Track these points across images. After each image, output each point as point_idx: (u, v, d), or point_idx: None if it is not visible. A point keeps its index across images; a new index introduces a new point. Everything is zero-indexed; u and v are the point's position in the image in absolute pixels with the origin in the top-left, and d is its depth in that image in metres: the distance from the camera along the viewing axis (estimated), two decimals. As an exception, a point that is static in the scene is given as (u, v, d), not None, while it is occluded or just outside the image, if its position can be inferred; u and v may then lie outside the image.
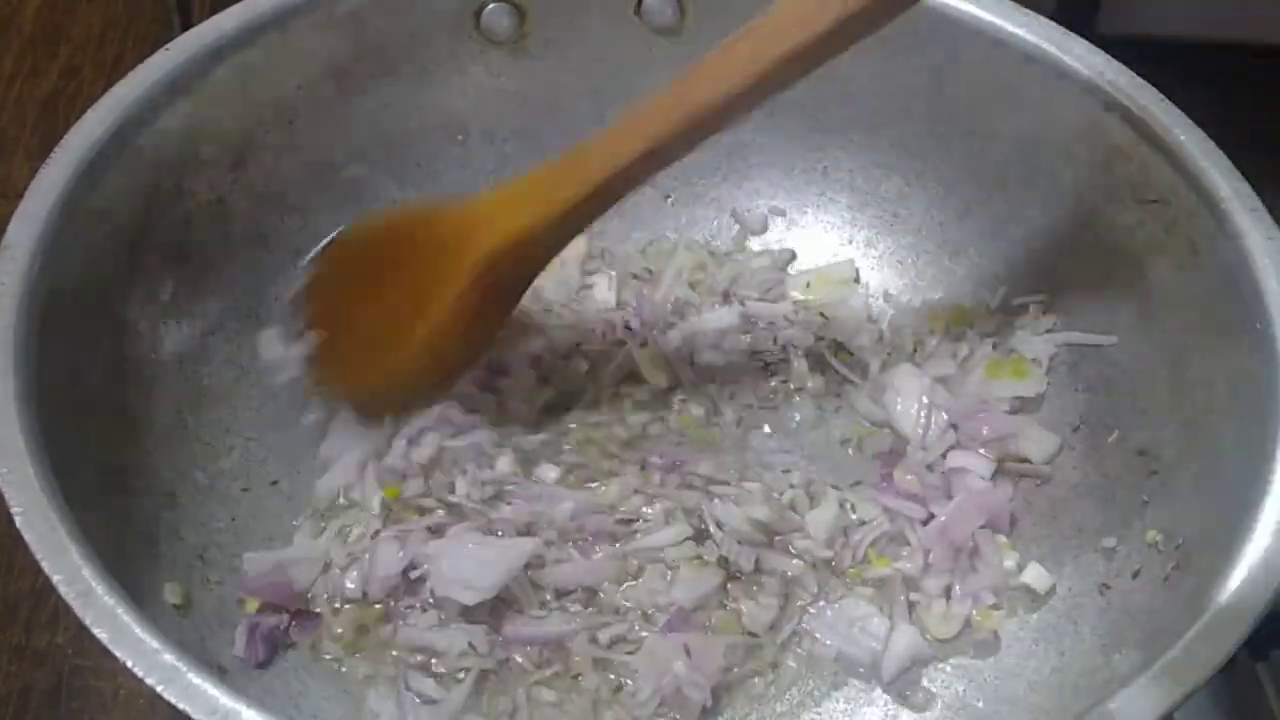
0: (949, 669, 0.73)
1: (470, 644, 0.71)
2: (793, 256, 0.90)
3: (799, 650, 0.73)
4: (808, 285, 0.88)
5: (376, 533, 0.74)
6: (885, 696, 0.72)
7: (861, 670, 0.73)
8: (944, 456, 0.79)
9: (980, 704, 0.72)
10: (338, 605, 0.73)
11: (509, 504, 0.75)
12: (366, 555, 0.73)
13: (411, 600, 0.72)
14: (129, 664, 0.55)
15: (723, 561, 0.74)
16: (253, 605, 0.72)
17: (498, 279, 0.74)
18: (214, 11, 0.80)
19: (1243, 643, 0.58)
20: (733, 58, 0.68)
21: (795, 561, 0.75)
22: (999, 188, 0.83)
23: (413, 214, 0.79)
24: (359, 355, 0.78)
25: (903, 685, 0.72)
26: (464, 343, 0.77)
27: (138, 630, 0.55)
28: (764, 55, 0.67)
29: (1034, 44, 0.79)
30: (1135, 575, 0.69)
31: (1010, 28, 0.80)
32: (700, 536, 0.75)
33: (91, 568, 0.57)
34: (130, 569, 0.63)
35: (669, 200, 0.91)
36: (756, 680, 0.72)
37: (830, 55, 0.67)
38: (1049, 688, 0.70)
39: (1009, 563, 0.76)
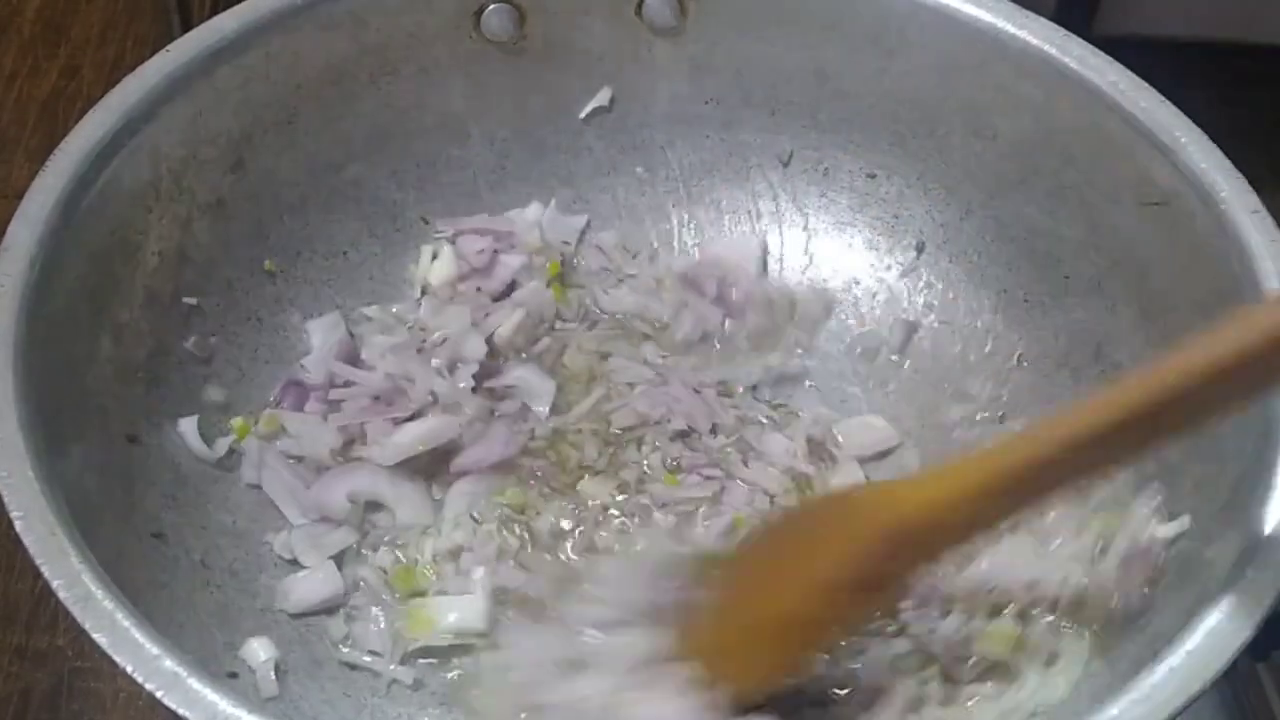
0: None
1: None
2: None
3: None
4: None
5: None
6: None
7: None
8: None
9: (980, 705, 0.72)
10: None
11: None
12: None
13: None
14: (129, 669, 0.55)
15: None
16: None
17: (893, 556, 0.61)
18: (214, 11, 0.80)
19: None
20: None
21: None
22: (999, 188, 0.83)
23: (800, 508, 0.76)
24: (728, 632, 0.67)
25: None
26: (833, 622, 0.65)
27: (138, 635, 0.55)
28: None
29: (1034, 44, 0.79)
30: (1137, 577, 0.69)
31: (1010, 28, 0.80)
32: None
33: (91, 572, 0.57)
34: (130, 573, 0.63)
35: (672, 204, 0.91)
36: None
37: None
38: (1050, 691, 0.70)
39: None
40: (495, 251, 0.87)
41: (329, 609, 0.74)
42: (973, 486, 0.59)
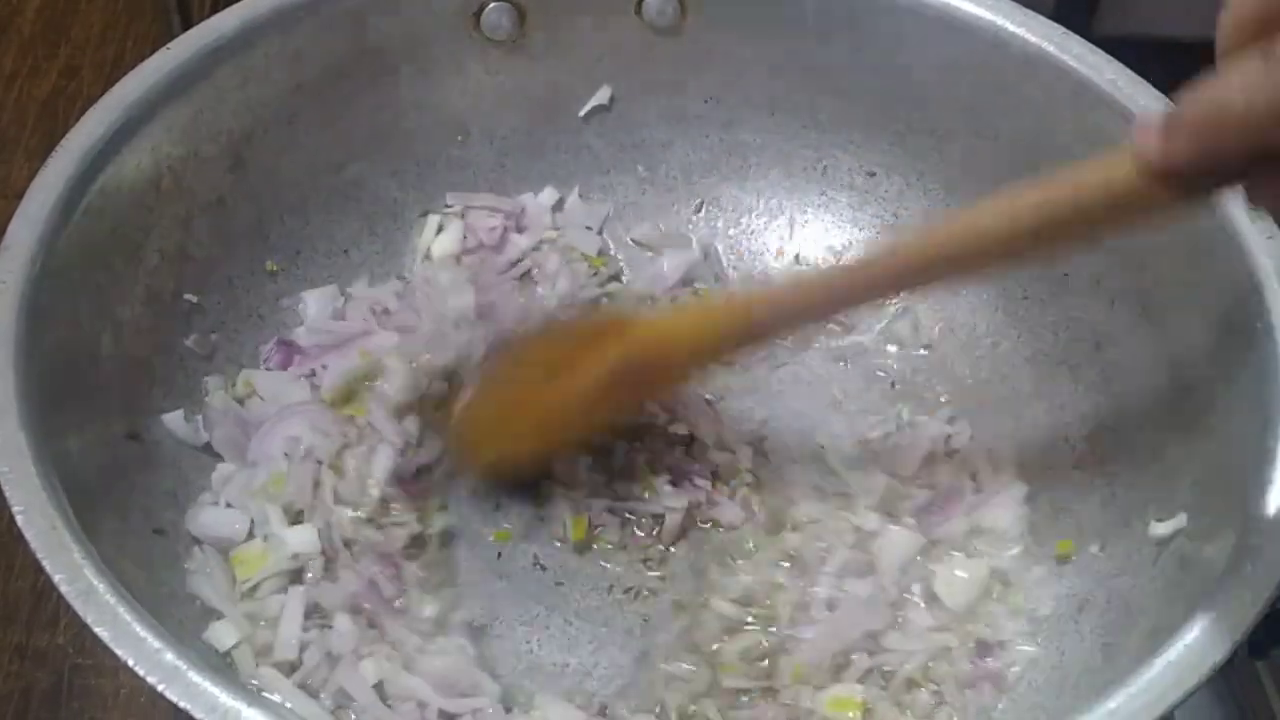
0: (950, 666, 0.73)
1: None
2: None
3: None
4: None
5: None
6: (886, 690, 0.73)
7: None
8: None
9: (979, 703, 0.72)
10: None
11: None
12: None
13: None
14: (130, 663, 0.55)
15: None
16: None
17: (631, 375, 0.74)
18: (214, 11, 0.80)
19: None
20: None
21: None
22: (999, 187, 0.83)
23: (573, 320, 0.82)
24: (492, 425, 0.78)
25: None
26: (584, 418, 0.76)
27: (139, 629, 0.55)
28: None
29: (1034, 44, 0.79)
30: (1135, 574, 0.69)
31: (1010, 28, 0.80)
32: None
33: (92, 566, 0.57)
34: (131, 568, 0.63)
35: (673, 204, 0.91)
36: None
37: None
38: (1049, 686, 0.70)
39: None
40: (505, 230, 0.88)
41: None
42: (695, 334, 0.72)
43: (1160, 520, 0.69)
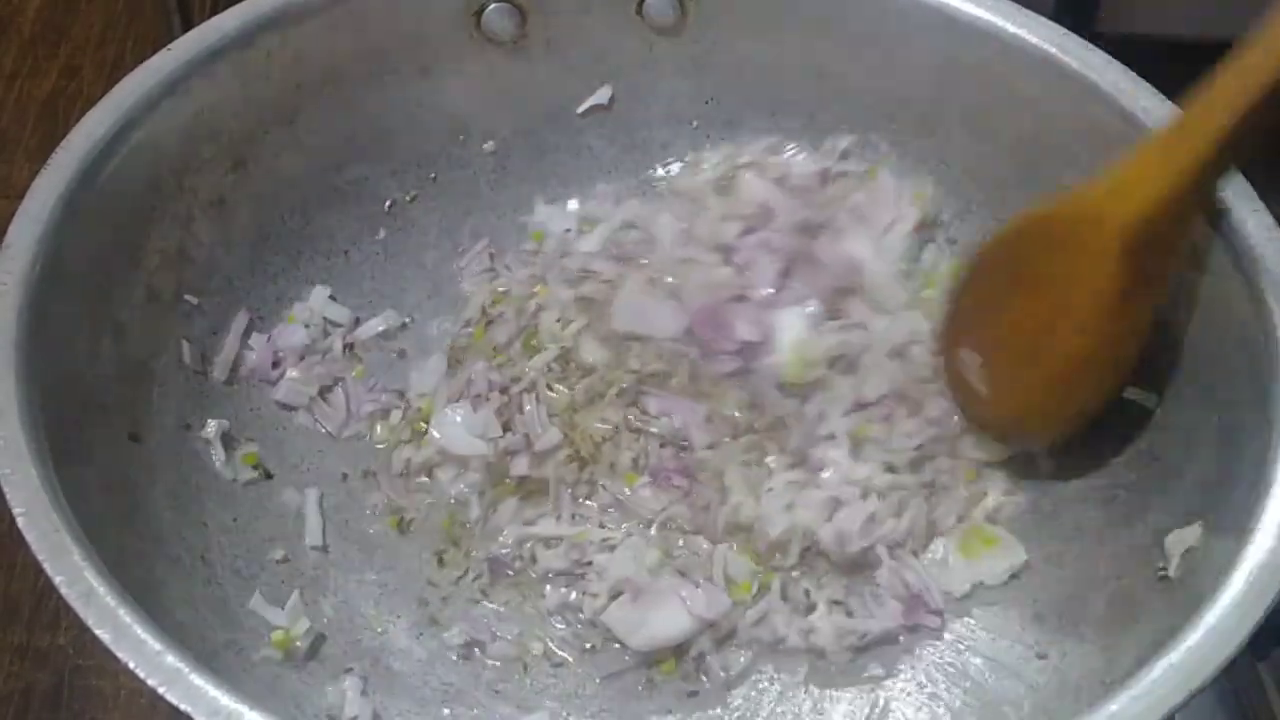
0: (951, 667, 0.74)
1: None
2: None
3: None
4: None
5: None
6: (884, 694, 0.73)
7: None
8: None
9: (981, 704, 0.72)
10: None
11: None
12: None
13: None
14: (131, 665, 0.55)
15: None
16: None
17: (1140, 258, 0.67)
18: (214, 11, 0.80)
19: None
20: None
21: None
22: (999, 188, 0.83)
23: (1041, 208, 0.73)
24: (1010, 371, 0.73)
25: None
26: (1118, 335, 0.70)
27: (140, 631, 0.55)
28: None
29: (1034, 44, 0.79)
30: (1137, 575, 0.69)
31: (1010, 28, 0.80)
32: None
33: (93, 569, 0.57)
34: (131, 569, 0.63)
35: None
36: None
37: None
38: (1050, 689, 0.70)
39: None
40: None
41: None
42: (1188, 174, 0.65)
43: (1161, 521, 0.69)
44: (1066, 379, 0.71)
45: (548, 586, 0.77)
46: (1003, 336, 0.73)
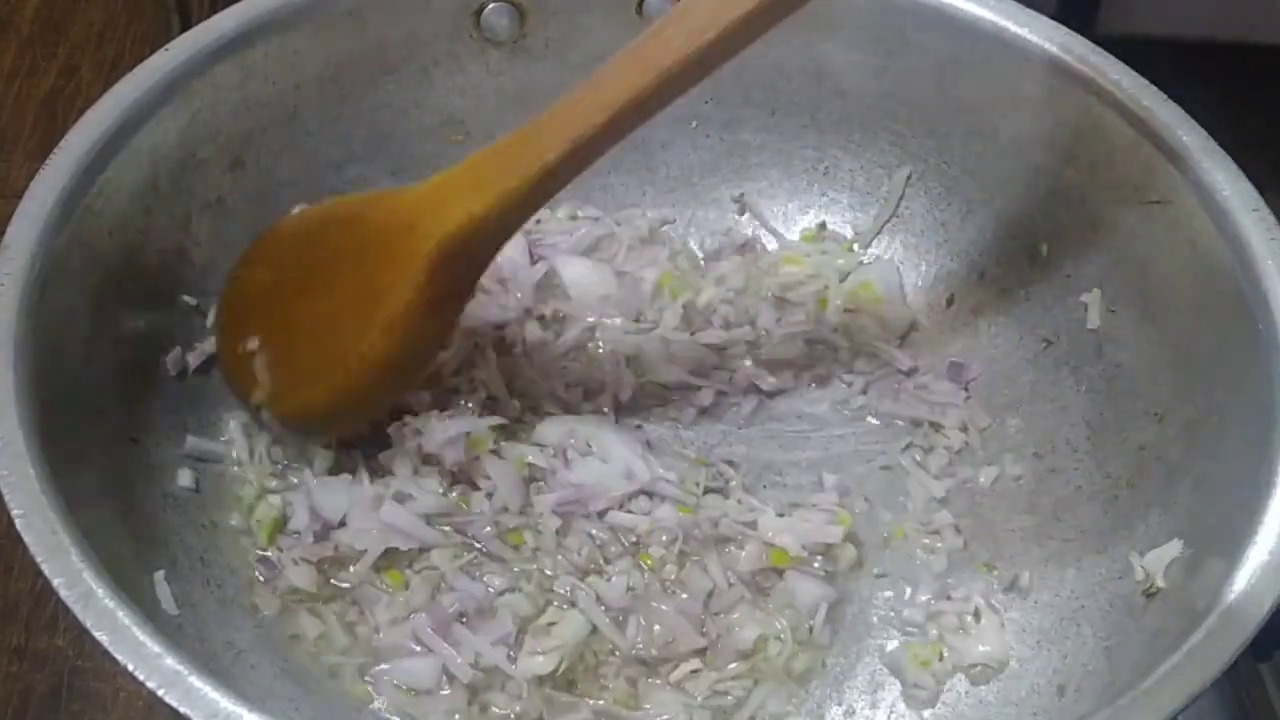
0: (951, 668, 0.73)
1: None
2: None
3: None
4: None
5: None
6: (889, 694, 0.73)
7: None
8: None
9: (982, 705, 0.72)
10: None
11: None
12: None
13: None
14: (130, 667, 0.54)
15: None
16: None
17: (452, 271, 0.70)
18: (214, 11, 0.80)
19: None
20: (695, 18, 0.65)
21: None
22: (1000, 187, 0.83)
23: (351, 205, 0.75)
24: (299, 362, 0.73)
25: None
26: (420, 341, 0.72)
27: (138, 633, 0.55)
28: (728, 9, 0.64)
29: (1034, 44, 0.79)
30: (1138, 577, 0.69)
31: (1011, 27, 0.80)
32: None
33: (92, 570, 0.57)
34: (130, 571, 0.63)
35: (672, 203, 0.91)
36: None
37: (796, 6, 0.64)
38: (1051, 691, 0.70)
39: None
40: None
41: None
42: (511, 198, 0.67)
43: (1162, 522, 0.69)
44: (364, 377, 0.71)
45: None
46: (298, 327, 0.73)
